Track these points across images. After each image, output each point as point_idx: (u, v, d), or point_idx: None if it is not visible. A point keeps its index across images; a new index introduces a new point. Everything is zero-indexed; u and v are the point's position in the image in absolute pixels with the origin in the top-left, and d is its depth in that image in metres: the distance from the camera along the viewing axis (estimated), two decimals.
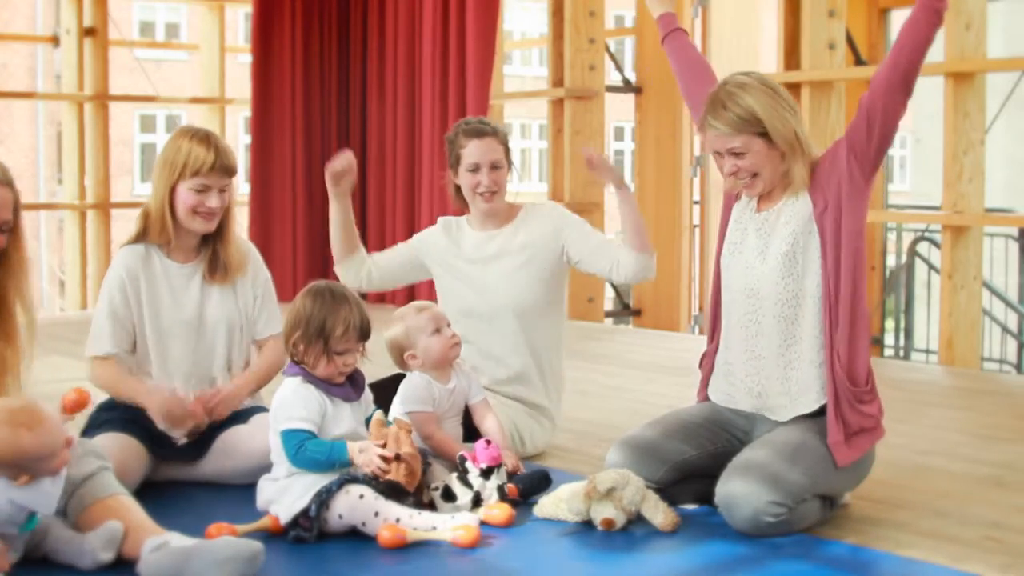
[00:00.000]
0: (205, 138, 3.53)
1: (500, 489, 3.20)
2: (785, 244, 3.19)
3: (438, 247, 4.02)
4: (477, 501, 3.16)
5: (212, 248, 3.62)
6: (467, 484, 3.18)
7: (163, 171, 3.52)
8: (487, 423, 3.55)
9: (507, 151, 3.95)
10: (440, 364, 3.48)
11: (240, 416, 3.59)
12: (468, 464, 3.20)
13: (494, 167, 3.89)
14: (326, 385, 3.12)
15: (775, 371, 3.22)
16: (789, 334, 3.20)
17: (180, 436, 3.51)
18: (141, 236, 3.58)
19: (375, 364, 3.33)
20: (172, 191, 3.51)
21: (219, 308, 3.61)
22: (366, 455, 3.03)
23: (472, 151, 3.88)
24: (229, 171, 3.55)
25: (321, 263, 8.89)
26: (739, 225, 3.33)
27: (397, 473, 3.04)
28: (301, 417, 3.06)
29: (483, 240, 3.98)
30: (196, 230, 3.56)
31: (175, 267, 3.59)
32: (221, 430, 3.54)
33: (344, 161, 3.84)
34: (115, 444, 3.31)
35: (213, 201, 3.52)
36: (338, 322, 3.08)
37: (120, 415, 3.48)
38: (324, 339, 3.08)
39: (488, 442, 3.23)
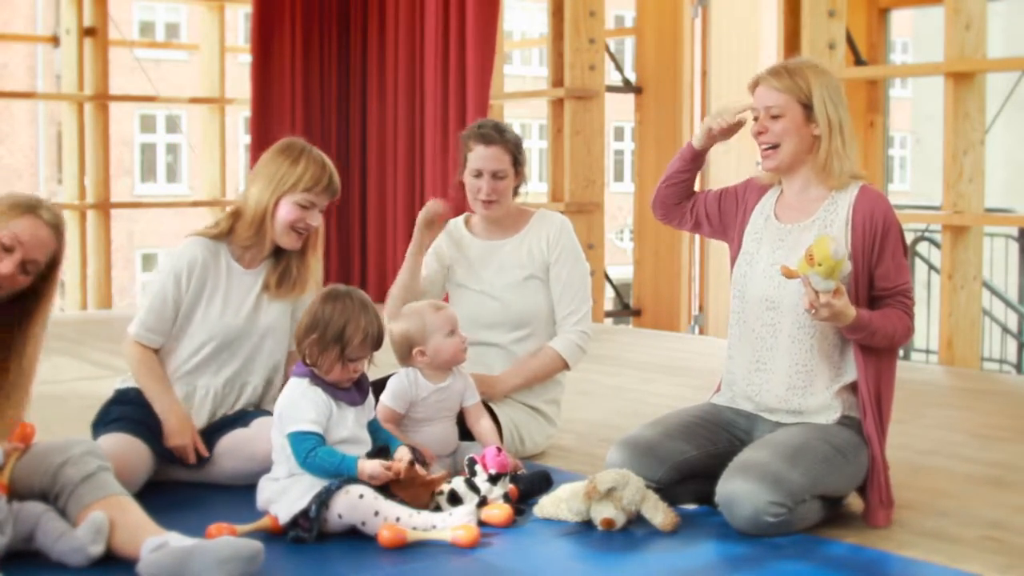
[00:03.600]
0: (319, 158, 3.54)
1: (506, 496, 3.20)
2: None
3: (448, 249, 4.01)
4: (482, 506, 3.16)
5: (286, 261, 3.60)
6: (473, 488, 3.18)
7: (273, 180, 3.49)
8: (481, 425, 3.55)
9: (516, 160, 3.90)
10: (447, 366, 3.49)
11: (241, 419, 3.59)
12: (477, 467, 3.20)
13: (496, 176, 3.86)
14: (332, 388, 3.12)
15: (778, 390, 3.22)
16: (801, 363, 3.19)
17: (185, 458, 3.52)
18: (224, 234, 3.56)
19: (379, 367, 3.33)
20: (276, 201, 3.49)
21: (273, 319, 3.60)
22: (372, 466, 3.03)
23: (477, 156, 3.86)
24: (335, 194, 3.56)
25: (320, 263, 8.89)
26: (754, 236, 3.33)
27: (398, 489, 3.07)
28: (310, 420, 3.05)
29: (489, 250, 3.96)
30: (286, 245, 3.54)
31: (239, 271, 3.58)
32: (223, 433, 3.55)
33: (440, 207, 3.90)
34: (120, 445, 3.32)
35: (314, 219, 3.52)
36: (357, 330, 3.07)
37: (130, 414, 3.48)
38: (341, 346, 3.07)
39: (499, 449, 3.24)
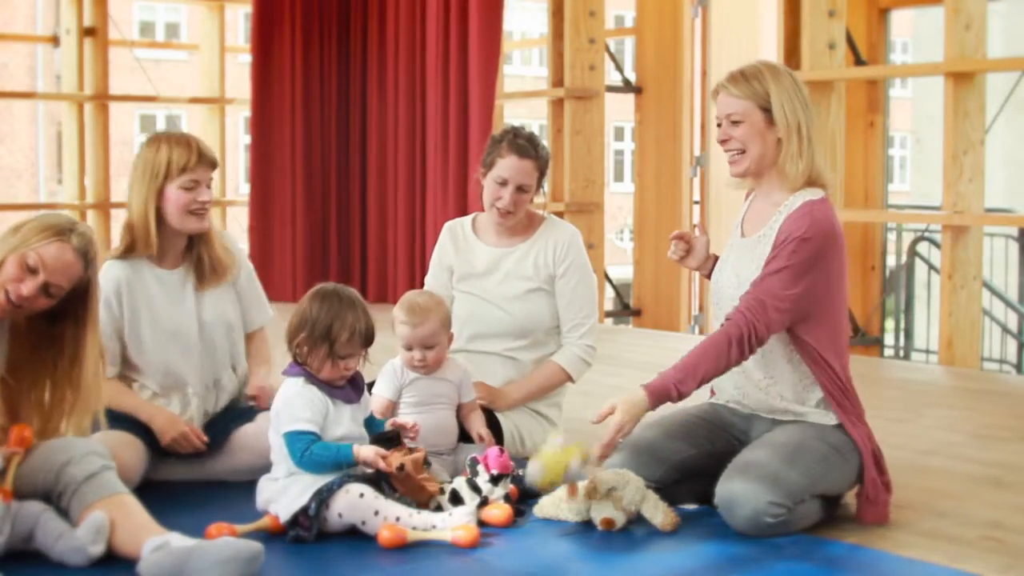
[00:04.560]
0: (182, 137, 3.52)
1: (506, 497, 3.21)
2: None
3: (452, 254, 3.98)
4: (483, 506, 3.16)
5: (196, 254, 3.58)
6: (475, 488, 3.18)
7: (145, 177, 3.47)
8: (470, 421, 3.56)
9: (542, 176, 3.87)
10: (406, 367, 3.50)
11: (246, 414, 3.61)
12: (480, 467, 3.20)
13: (521, 189, 3.81)
14: (327, 387, 3.12)
15: (758, 395, 3.23)
16: (768, 368, 3.20)
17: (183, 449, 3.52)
18: (128, 251, 3.53)
19: (372, 364, 3.33)
20: (159, 195, 3.47)
21: (215, 310, 3.60)
22: (368, 452, 3.04)
23: (507, 166, 3.79)
24: (213, 164, 3.54)
25: (320, 263, 8.90)
26: (728, 245, 3.35)
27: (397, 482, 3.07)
28: (305, 419, 3.05)
29: (496, 257, 3.92)
30: (190, 229, 3.52)
31: (166, 274, 3.56)
32: (231, 431, 3.56)
33: None
34: (116, 440, 3.31)
35: (204, 195, 3.50)
36: (344, 327, 3.08)
37: (119, 415, 3.46)
38: (329, 343, 3.08)
39: (501, 450, 3.24)
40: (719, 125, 3.23)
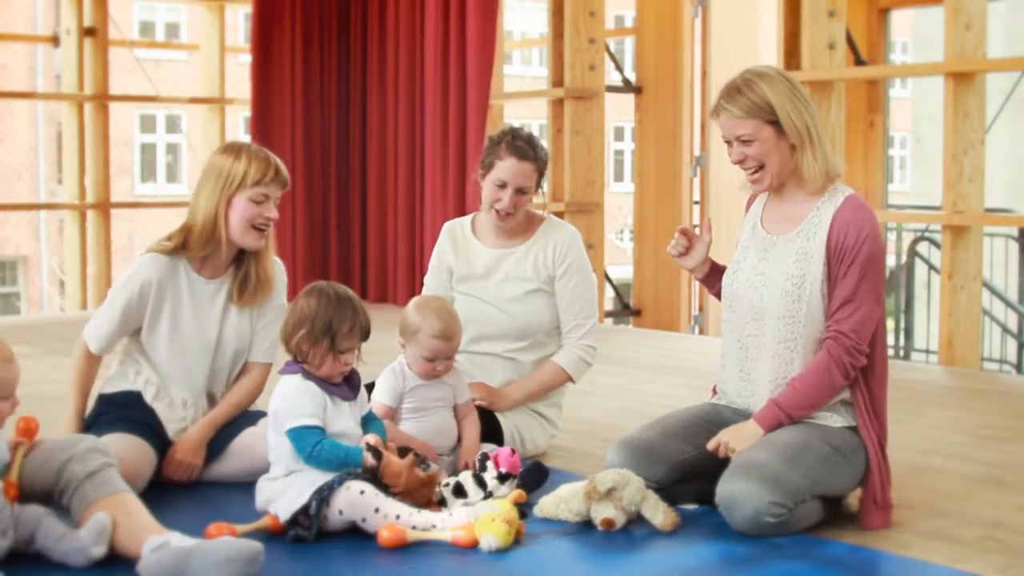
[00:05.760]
0: (260, 151, 3.51)
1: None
2: (788, 283, 3.17)
3: (452, 254, 3.97)
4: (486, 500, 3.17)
5: (245, 268, 3.56)
6: (480, 483, 3.18)
7: (218, 183, 3.45)
8: (465, 425, 3.55)
9: (541, 177, 3.86)
10: (418, 375, 3.48)
11: (248, 418, 3.61)
12: (489, 464, 3.21)
13: (519, 191, 3.80)
14: (325, 384, 3.12)
15: (764, 402, 3.22)
16: (783, 375, 3.20)
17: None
18: (178, 249, 3.50)
19: (371, 364, 3.33)
20: (228, 204, 3.46)
21: (235, 329, 3.58)
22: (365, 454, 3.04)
23: (506, 168, 3.77)
24: (285, 183, 3.52)
25: (320, 263, 8.90)
26: (742, 244, 3.32)
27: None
28: (309, 413, 3.05)
29: (495, 259, 3.92)
30: (248, 244, 3.50)
31: (202, 283, 3.54)
32: (234, 434, 3.56)
33: None
34: (125, 445, 3.31)
35: (272, 211, 3.49)
36: (344, 320, 3.09)
37: (132, 415, 3.48)
38: (331, 337, 3.09)
39: (513, 451, 3.26)
40: (728, 144, 3.20)
